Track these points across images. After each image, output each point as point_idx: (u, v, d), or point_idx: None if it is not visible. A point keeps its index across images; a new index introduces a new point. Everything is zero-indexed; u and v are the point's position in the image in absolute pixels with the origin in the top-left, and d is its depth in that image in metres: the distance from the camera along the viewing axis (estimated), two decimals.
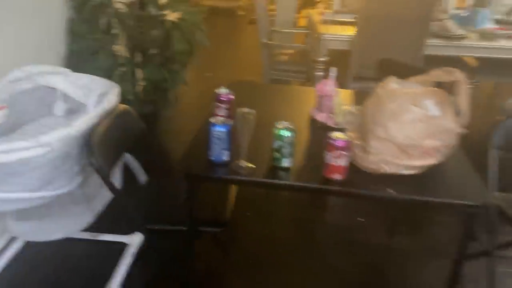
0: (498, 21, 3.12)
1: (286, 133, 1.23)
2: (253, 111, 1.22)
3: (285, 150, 1.25)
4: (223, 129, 1.23)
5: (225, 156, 1.27)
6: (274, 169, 1.27)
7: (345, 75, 2.77)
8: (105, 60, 2.38)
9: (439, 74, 1.32)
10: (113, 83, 1.74)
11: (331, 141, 1.19)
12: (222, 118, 1.28)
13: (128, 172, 1.76)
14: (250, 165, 1.27)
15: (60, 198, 1.46)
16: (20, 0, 1.92)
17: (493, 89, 4.27)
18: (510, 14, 3.33)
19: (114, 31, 2.46)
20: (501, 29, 2.97)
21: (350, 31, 2.77)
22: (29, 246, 1.88)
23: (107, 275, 1.77)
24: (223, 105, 1.47)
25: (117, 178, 1.77)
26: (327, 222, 2.29)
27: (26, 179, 1.32)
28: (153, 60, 2.60)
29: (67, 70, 1.86)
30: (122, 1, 2.51)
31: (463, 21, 3.04)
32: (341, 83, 1.70)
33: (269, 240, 2.10)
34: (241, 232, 2.13)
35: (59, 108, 1.84)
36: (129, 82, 2.47)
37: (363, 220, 2.24)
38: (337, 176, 1.22)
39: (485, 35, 2.89)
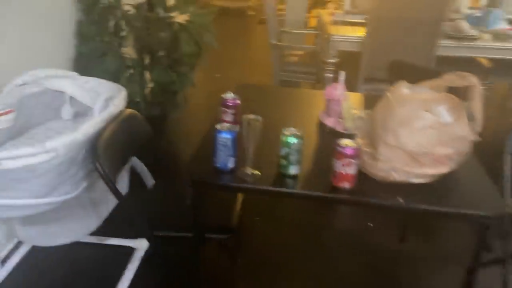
0: (510, 21, 3.06)
1: (293, 140, 1.20)
2: (259, 117, 1.20)
3: (292, 157, 1.22)
4: (228, 136, 1.21)
5: (230, 163, 1.24)
6: (281, 177, 1.25)
7: (355, 76, 2.73)
8: (113, 62, 2.37)
9: (452, 78, 1.28)
10: (120, 87, 1.73)
11: (340, 149, 1.16)
12: (228, 125, 1.26)
13: (135, 176, 1.75)
14: (256, 172, 1.24)
15: (66, 203, 1.46)
16: (29, 3, 1.92)
17: (507, 90, 4.18)
18: None
19: (122, 33, 2.45)
20: None
21: (360, 32, 2.73)
22: (36, 249, 1.88)
23: (114, 279, 1.76)
24: (229, 110, 1.45)
25: (124, 182, 1.76)
26: (336, 227, 2.26)
27: (32, 185, 1.31)
28: (161, 62, 2.59)
29: (75, 74, 1.86)
30: (130, 3, 2.51)
31: (476, 22, 2.98)
32: (351, 85, 1.67)
33: (277, 246, 2.07)
34: (249, 238, 2.11)
35: (67, 111, 1.84)
36: (137, 84, 2.47)
37: (372, 225, 2.20)
38: (346, 185, 1.19)
39: (498, 36, 2.83)
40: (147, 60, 2.61)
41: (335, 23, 3.06)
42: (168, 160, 2.75)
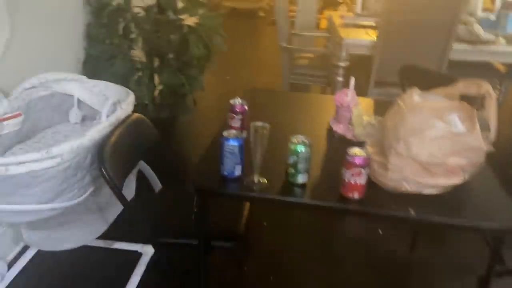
0: None
1: (302, 148, 1.17)
2: (267, 124, 1.17)
3: (301, 166, 1.19)
4: (235, 143, 1.19)
5: (237, 171, 1.22)
6: (289, 186, 1.22)
7: (366, 80, 2.69)
8: (122, 64, 2.37)
9: (465, 86, 1.24)
10: (128, 91, 1.73)
11: (349, 158, 1.13)
12: (234, 131, 1.23)
13: (143, 180, 1.73)
14: (264, 180, 1.22)
15: (72, 208, 1.45)
16: (39, 6, 1.92)
17: None
18: None
19: (131, 35, 2.45)
20: None
21: (371, 36, 2.69)
22: (42, 253, 1.88)
23: (120, 284, 1.76)
24: (237, 116, 1.43)
25: (131, 186, 1.75)
26: (346, 234, 2.23)
27: (38, 191, 1.30)
28: (171, 65, 2.58)
29: (83, 77, 1.85)
30: (140, 5, 2.50)
31: (490, 25, 2.91)
32: (362, 89, 1.63)
33: (285, 253, 2.04)
34: (256, 245, 2.08)
35: (74, 115, 1.84)
36: (146, 87, 2.46)
37: (382, 232, 2.16)
38: (356, 195, 1.16)
39: None
40: (156, 63, 2.61)
41: (346, 26, 3.03)
42: (177, 163, 2.74)
